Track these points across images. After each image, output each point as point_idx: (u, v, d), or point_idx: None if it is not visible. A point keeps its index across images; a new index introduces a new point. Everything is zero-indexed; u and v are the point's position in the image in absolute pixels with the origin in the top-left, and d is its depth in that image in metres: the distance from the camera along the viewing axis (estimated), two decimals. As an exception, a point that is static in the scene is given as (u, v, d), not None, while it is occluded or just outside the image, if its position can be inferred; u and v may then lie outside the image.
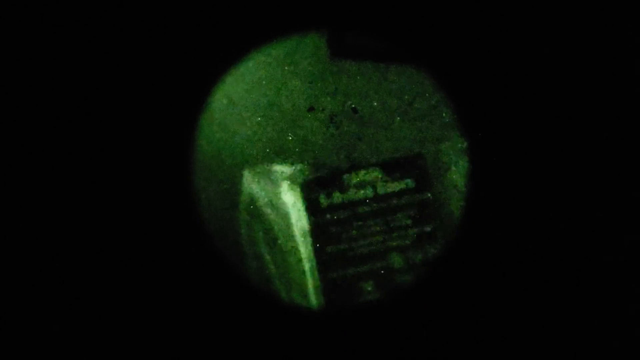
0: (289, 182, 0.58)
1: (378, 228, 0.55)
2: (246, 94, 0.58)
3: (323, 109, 0.58)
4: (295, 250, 0.56)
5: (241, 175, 0.58)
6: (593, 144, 0.51)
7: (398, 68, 0.58)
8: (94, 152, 0.49)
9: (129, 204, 0.49)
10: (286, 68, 0.58)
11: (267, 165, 0.58)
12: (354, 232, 0.55)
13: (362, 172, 0.57)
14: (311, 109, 0.58)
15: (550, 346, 0.50)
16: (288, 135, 0.58)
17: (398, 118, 0.58)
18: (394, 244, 0.55)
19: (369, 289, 0.54)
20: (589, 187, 0.51)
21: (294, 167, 0.59)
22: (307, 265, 0.56)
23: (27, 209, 0.48)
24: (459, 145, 0.57)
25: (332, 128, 0.58)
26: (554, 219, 0.51)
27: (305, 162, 0.59)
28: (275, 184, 0.58)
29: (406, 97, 0.58)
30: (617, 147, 0.51)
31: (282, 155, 0.58)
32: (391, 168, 0.57)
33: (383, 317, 0.52)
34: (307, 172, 0.58)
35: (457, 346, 0.51)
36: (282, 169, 0.59)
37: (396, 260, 0.55)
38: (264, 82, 0.58)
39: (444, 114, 0.58)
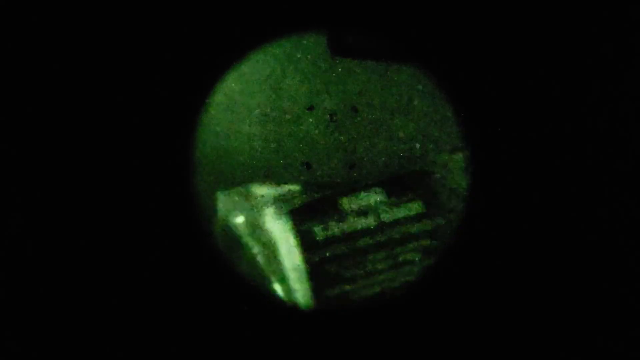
0: (274, 208, 0.49)
1: (384, 265, 0.47)
2: (246, 93, 0.58)
3: (323, 108, 0.58)
4: (289, 294, 0.48)
5: (215, 198, 0.50)
6: (595, 144, 0.49)
7: (398, 67, 0.58)
8: (92, 153, 0.48)
9: (127, 205, 0.48)
10: (286, 67, 0.58)
11: (246, 187, 0.49)
12: (356, 270, 0.47)
13: (362, 194, 0.48)
14: (311, 108, 0.58)
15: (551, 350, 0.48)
16: (288, 136, 0.57)
17: (398, 117, 0.57)
18: (403, 281, 0.47)
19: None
20: (590, 188, 0.49)
21: (279, 189, 0.49)
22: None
23: (24, 209, 0.48)
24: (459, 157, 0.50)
25: (332, 127, 0.57)
26: (559, 222, 0.48)
27: (295, 182, 0.51)
28: (258, 211, 0.48)
29: (406, 96, 0.58)
30: (618, 148, 0.49)
31: (281, 159, 0.56)
32: (395, 188, 0.48)
33: (380, 320, 0.48)
34: (295, 195, 0.49)
35: (455, 348, 0.47)
36: (264, 191, 0.49)
37: (407, 302, 0.47)
38: (264, 82, 0.58)
39: (444, 114, 0.57)
